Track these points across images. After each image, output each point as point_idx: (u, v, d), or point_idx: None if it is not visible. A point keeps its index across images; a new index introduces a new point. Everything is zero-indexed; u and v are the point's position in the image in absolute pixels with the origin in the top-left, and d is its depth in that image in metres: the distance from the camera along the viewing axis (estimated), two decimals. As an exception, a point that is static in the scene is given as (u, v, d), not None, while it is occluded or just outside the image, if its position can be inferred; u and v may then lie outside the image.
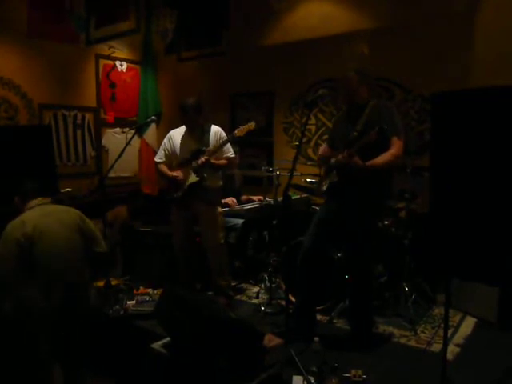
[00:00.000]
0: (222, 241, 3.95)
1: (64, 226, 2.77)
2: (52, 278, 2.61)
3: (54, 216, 2.78)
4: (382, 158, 3.02)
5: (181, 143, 3.97)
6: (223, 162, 3.93)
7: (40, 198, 2.84)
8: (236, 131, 3.79)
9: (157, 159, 4.10)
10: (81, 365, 2.84)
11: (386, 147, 3.04)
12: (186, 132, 3.98)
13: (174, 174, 3.91)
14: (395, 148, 3.04)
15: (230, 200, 4.89)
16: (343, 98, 3.42)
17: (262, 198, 5.00)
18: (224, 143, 3.86)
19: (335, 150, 3.31)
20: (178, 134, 4.03)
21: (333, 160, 3.22)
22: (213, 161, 3.80)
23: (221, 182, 4.07)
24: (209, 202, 3.90)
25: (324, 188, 3.32)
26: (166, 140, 4.07)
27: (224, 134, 3.96)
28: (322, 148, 3.59)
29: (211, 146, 3.85)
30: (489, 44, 3.99)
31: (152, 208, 5.49)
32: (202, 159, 3.75)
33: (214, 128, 3.96)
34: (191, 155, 3.87)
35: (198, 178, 3.81)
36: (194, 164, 3.82)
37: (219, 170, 4.00)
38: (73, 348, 2.77)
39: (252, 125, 3.79)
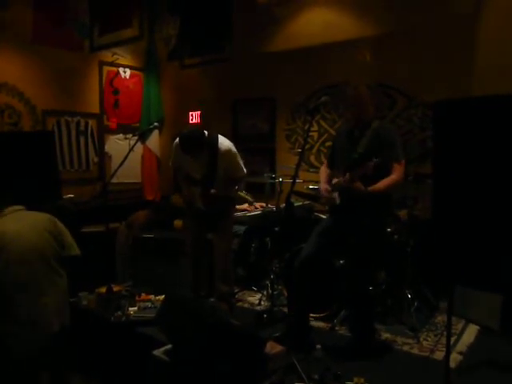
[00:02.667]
0: (232, 246, 4.01)
1: (35, 231, 2.75)
2: (15, 290, 2.59)
3: (24, 221, 2.77)
4: (383, 184, 3.04)
5: (188, 161, 3.83)
6: (232, 179, 3.93)
7: (14, 206, 2.84)
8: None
9: (171, 164, 4.11)
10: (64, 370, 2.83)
11: (386, 171, 3.06)
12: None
13: (187, 192, 3.93)
14: (396, 174, 3.07)
15: (246, 206, 4.92)
16: (348, 111, 3.34)
17: (258, 206, 5.05)
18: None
19: (336, 170, 3.32)
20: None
21: (334, 180, 3.22)
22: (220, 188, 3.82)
23: (234, 190, 4.10)
24: (224, 212, 3.92)
25: (327, 208, 3.35)
26: (173, 148, 3.93)
27: (233, 150, 3.79)
28: (322, 175, 3.54)
29: (220, 170, 3.77)
30: (492, 51, 4.00)
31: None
32: (208, 193, 3.77)
33: (222, 146, 3.73)
34: (202, 178, 3.83)
35: (205, 209, 3.85)
36: (202, 196, 3.83)
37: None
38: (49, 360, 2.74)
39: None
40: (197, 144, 3.61)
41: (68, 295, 2.89)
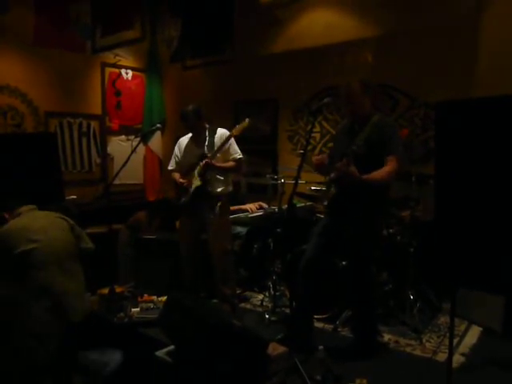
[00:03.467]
0: (230, 247, 3.94)
1: (58, 228, 2.77)
2: (48, 285, 2.59)
3: (44, 219, 2.77)
4: (377, 174, 3.04)
5: (186, 149, 4.03)
6: (230, 164, 3.93)
7: (28, 205, 2.85)
8: (233, 131, 3.84)
9: (169, 167, 4.17)
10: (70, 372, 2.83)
11: (380, 164, 3.07)
12: (191, 138, 4.03)
13: (182, 180, 3.94)
14: (389, 166, 3.06)
15: (249, 206, 4.91)
16: (346, 109, 3.40)
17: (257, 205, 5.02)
18: (224, 143, 3.85)
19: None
20: (185, 138, 4.09)
21: (332, 175, 3.23)
22: (217, 164, 3.81)
23: (231, 188, 4.06)
24: (216, 210, 3.90)
25: (326, 203, 3.35)
26: (176, 147, 4.13)
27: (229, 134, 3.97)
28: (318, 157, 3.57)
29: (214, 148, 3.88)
30: (493, 51, 4.00)
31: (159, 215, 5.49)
32: (202, 162, 3.79)
33: (220, 131, 3.98)
34: (197, 160, 3.89)
35: (201, 182, 3.83)
36: (197, 168, 3.84)
37: (226, 173, 3.98)
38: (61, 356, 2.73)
39: (246, 122, 3.82)
40: (194, 111, 3.86)
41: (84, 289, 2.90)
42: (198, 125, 3.93)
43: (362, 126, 3.18)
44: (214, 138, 3.93)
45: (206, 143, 3.92)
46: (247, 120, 3.82)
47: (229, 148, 3.93)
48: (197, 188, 3.86)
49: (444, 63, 4.56)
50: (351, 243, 3.24)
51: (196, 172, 3.87)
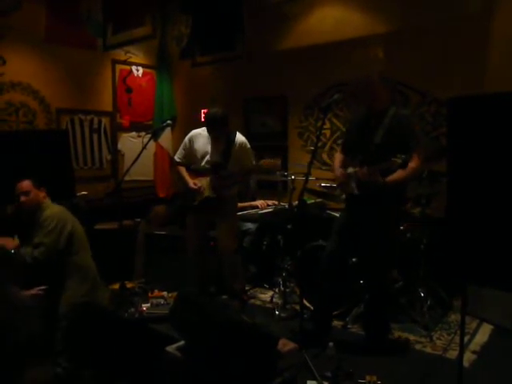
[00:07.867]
0: (237, 245, 3.93)
1: None
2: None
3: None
4: (402, 173, 2.98)
5: (200, 148, 3.94)
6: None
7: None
8: (261, 162, 3.89)
9: (176, 158, 4.09)
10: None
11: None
12: (210, 139, 3.92)
13: (193, 184, 3.89)
14: (414, 162, 2.98)
15: (260, 203, 4.92)
16: (362, 101, 3.31)
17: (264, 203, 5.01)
18: (245, 173, 3.96)
19: (351, 158, 3.28)
20: (200, 136, 3.96)
21: (350, 170, 3.19)
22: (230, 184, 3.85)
23: (236, 190, 4.08)
24: (225, 209, 3.91)
25: (343, 197, 3.31)
26: (186, 140, 4.02)
27: (248, 145, 3.96)
28: (337, 160, 3.48)
29: (233, 160, 3.86)
30: (504, 47, 3.95)
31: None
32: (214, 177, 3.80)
33: (239, 138, 3.92)
34: (212, 166, 3.87)
35: (214, 195, 3.84)
36: (212, 180, 3.83)
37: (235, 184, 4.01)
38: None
39: (278, 166, 3.90)
40: (222, 118, 3.75)
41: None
42: (223, 131, 3.83)
43: (378, 121, 3.11)
44: (233, 145, 3.88)
45: (226, 151, 3.89)
46: (279, 163, 3.85)
47: (246, 158, 3.95)
48: (209, 197, 3.87)
49: (455, 59, 4.52)
50: (369, 242, 3.21)
51: (209, 181, 3.85)
